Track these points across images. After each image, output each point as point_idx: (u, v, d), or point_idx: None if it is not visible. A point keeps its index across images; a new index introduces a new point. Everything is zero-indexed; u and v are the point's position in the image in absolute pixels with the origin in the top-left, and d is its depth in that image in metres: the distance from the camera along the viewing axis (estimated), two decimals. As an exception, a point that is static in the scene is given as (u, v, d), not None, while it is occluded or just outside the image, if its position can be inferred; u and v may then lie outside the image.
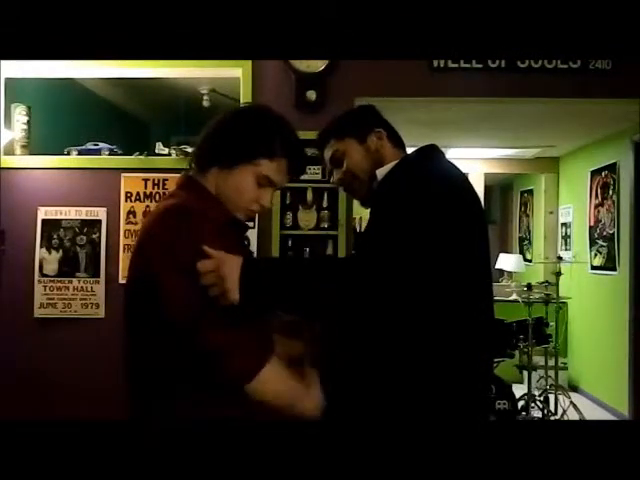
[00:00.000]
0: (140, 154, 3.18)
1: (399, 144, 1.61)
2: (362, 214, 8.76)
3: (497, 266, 6.71)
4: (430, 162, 1.48)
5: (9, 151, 3.18)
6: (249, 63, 3.15)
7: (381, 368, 1.38)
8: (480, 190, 6.29)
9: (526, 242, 7.48)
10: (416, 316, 1.33)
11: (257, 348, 1.27)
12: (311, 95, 3.14)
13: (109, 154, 3.21)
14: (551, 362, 4.72)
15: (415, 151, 1.54)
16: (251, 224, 3.08)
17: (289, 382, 1.32)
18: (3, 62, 2.91)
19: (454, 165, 1.50)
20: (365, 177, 1.56)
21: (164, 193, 3.07)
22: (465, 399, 1.35)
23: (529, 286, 4.64)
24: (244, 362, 1.24)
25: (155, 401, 1.31)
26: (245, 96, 3.12)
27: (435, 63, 3.23)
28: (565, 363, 5.62)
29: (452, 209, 1.35)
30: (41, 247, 3.11)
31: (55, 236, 3.12)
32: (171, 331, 1.24)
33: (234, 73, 3.20)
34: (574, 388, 5.72)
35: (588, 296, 5.56)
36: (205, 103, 4.54)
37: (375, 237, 1.39)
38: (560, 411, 4.49)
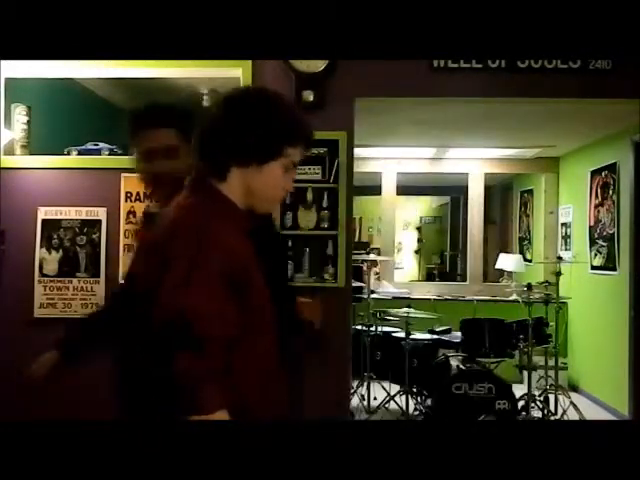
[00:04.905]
0: (140, 154, 3.17)
1: None
2: (362, 214, 8.71)
3: (497, 266, 6.71)
4: None
5: (9, 151, 3.17)
6: (249, 63, 3.15)
7: None
8: (480, 190, 6.31)
9: (526, 242, 7.47)
10: None
11: (216, 389, 1.17)
12: (308, 95, 3.14)
13: (109, 154, 3.21)
14: (551, 362, 4.72)
15: None
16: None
17: None
18: (3, 62, 2.90)
19: None
20: None
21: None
22: None
23: (529, 286, 4.63)
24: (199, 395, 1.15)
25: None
26: (245, 96, 3.11)
27: (435, 63, 3.23)
28: (565, 363, 5.61)
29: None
30: (41, 247, 3.11)
31: (55, 236, 3.12)
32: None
33: (234, 73, 3.19)
34: (574, 388, 5.71)
35: (588, 296, 5.55)
36: (205, 103, 4.53)
37: None
38: (560, 411, 4.49)
